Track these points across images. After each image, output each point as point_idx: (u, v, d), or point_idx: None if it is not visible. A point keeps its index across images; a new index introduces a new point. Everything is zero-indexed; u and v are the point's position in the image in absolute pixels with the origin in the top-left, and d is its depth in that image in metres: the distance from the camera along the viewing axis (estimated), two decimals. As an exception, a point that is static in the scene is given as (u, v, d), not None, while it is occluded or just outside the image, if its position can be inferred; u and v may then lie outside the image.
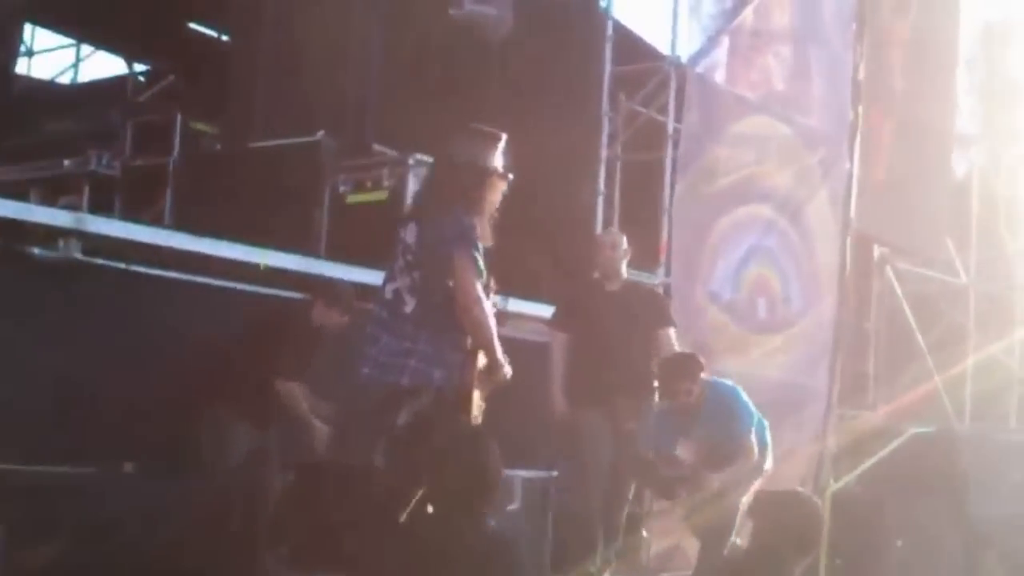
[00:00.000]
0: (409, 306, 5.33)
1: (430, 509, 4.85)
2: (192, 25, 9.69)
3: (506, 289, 8.59)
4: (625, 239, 7.54)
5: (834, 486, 9.76)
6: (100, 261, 6.68)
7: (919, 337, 11.06)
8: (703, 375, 7.05)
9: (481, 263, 5.28)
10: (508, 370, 5.40)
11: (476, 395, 5.32)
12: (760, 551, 5.41)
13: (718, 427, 6.97)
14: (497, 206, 5.49)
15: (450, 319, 5.26)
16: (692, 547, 7.63)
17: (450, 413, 5.21)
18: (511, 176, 5.54)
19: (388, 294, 5.46)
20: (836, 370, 10.15)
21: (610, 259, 7.42)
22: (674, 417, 7.07)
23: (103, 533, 6.03)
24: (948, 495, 9.61)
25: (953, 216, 11.84)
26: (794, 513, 5.46)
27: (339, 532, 6.49)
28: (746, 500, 6.71)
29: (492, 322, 5.31)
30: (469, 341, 5.31)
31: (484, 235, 5.36)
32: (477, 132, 5.59)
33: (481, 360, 5.32)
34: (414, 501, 5.07)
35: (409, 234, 5.45)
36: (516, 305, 8.65)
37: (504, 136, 5.57)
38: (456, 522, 4.55)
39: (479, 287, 5.25)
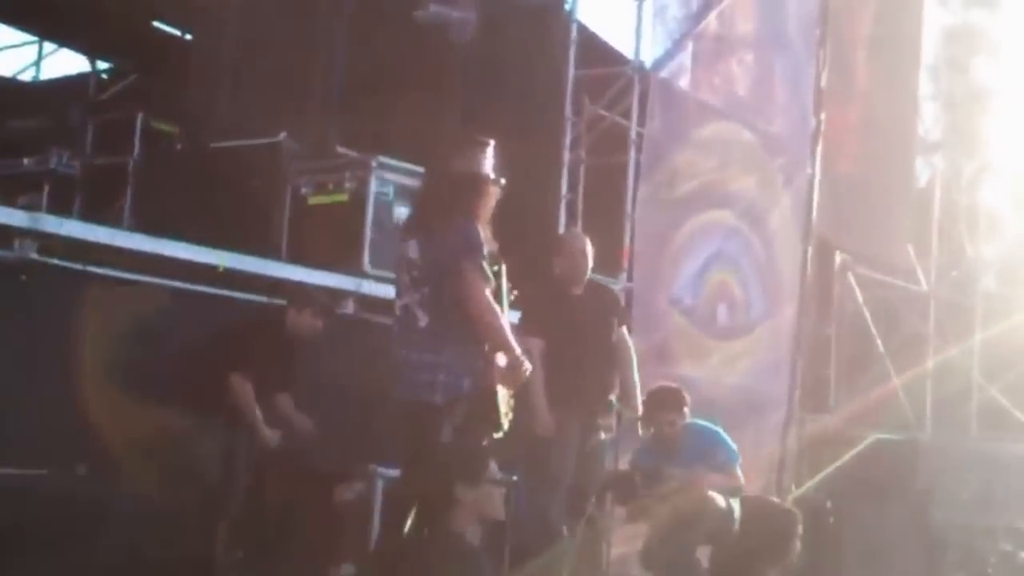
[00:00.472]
0: (423, 321, 5.48)
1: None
2: (156, 24, 9.66)
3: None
4: (589, 243, 7.53)
5: (795, 492, 9.85)
6: (56, 261, 6.63)
7: (879, 343, 11.12)
8: (687, 409, 7.14)
9: (488, 270, 5.42)
10: (528, 365, 5.54)
11: (503, 395, 5.49)
12: (736, 557, 5.48)
13: (702, 463, 7.05)
14: (493, 210, 5.63)
15: (468, 328, 5.40)
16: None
17: (482, 418, 5.39)
18: (503, 181, 5.66)
19: (398, 310, 5.63)
20: (796, 375, 10.23)
21: (580, 265, 7.37)
22: (653, 446, 7.17)
23: (56, 535, 5.98)
24: (909, 502, 9.67)
25: (915, 223, 11.90)
26: (770, 520, 5.56)
27: (291, 537, 6.50)
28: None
29: (505, 324, 5.47)
30: (487, 346, 5.45)
31: (487, 239, 5.49)
32: (467, 141, 5.76)
33: (502, 360, 5.45)
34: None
35: (412, 250, 5.59)
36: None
37: (492, 142, 5.69)
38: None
39: (488, 293, 5.39)
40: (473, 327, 5.39)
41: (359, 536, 7.06)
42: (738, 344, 10.31)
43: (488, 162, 5.62)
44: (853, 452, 10.13)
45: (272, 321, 7.01)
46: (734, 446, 7.26)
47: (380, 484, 7.34)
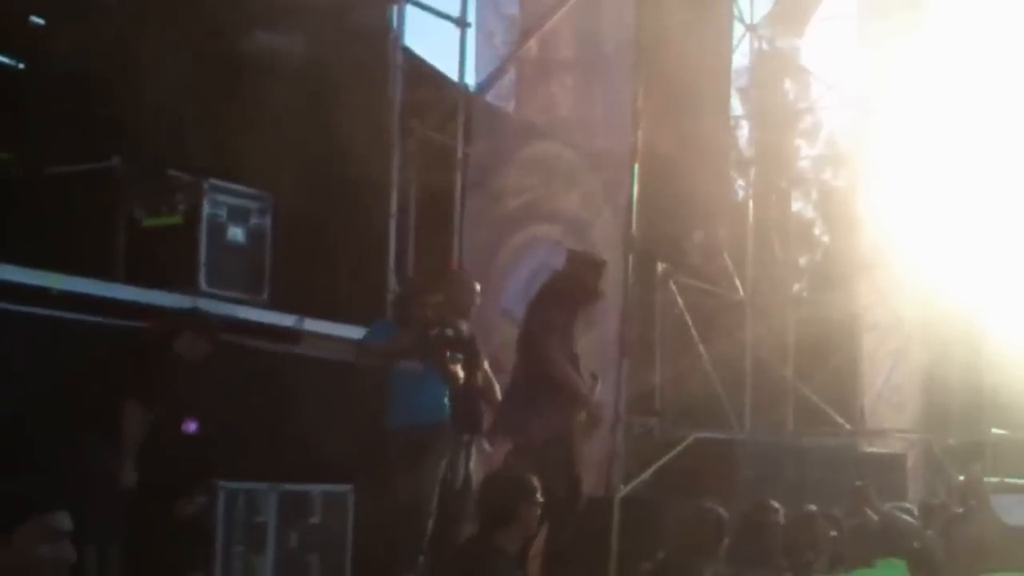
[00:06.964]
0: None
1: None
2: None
3: (303, 310, 8.92)
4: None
5: (623, 490, 10.35)
6: None
7: (701, 348, 11.72)
8: None
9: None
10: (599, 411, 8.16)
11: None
12: (672, 566, 5.78)
13: None
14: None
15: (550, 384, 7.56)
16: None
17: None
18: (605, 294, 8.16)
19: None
20: (622, 380, 10.77)
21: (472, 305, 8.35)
22: None
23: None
24: (726, 496, 10.22)
25: (731, 235, 12.60)
26: (699, 524, 5.89)
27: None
28: None
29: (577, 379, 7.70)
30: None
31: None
32: (591, 261, 8.04)
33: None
34: None
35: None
36: (314, 325, 8.95)
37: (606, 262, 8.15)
38: None
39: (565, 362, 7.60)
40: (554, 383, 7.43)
41: (205, 547, 7.34)
42: (566, 352, 10.80)
43: (599, 280, 7.84)
44: (675, 451, 10.67)
45: (160, 344, 7.13)
46: None
47: (223, 497, 7.61)
